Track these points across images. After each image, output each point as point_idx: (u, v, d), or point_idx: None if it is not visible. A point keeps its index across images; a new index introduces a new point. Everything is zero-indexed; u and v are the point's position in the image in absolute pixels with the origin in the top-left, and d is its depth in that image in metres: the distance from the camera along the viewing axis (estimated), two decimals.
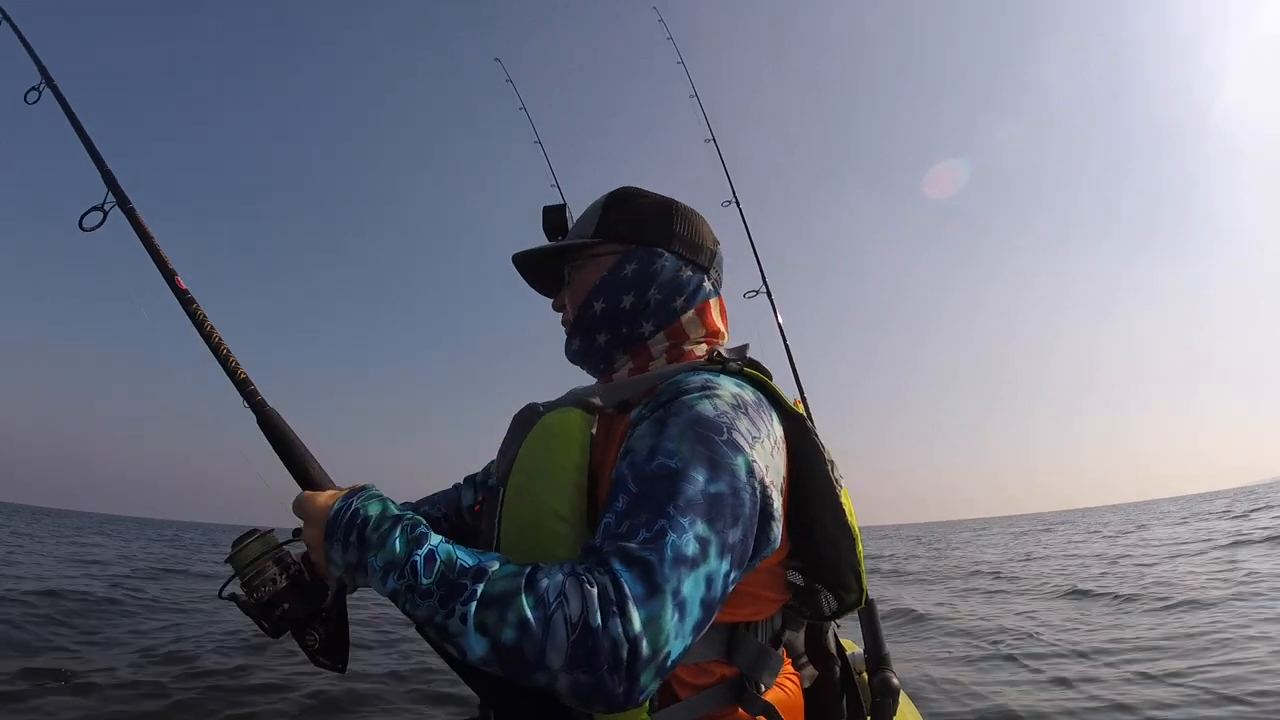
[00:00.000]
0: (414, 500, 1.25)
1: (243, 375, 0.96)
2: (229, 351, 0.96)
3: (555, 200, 1.08)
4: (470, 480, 1.25)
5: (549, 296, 1.09)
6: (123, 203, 1.02)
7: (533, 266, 1.07)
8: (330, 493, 0.81)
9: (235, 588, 0.85)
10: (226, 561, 0.85)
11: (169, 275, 0.98)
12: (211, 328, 0.97)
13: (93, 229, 1.01)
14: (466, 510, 1.22)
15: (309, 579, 0.86)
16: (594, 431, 0.86)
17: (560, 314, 1.05)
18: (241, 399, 0.96)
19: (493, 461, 1.18)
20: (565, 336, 1.02)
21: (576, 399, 0.95)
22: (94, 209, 1.01)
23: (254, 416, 0.96)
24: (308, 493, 0.82)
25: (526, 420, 0.97)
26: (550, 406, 0.98)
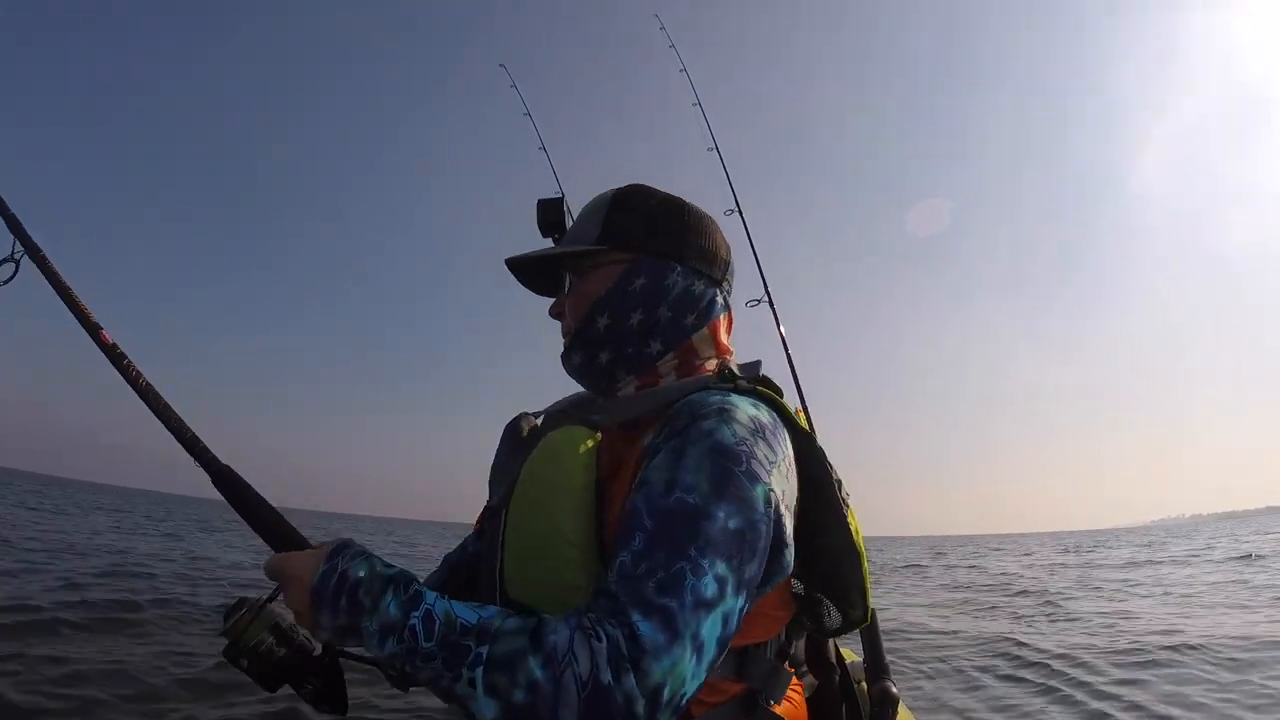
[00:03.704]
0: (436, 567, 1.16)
1: (190, 434, 0.89)
2: (171, 410, 0.89)
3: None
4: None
5: (546, 296, 1.02)
6: (32, 251, 0.96)
7: (529, 268, 1.00)
8: (310, 554, 0.75)
9: (234, 656, 0.84)
10: (222, 635, 0.83)
11: (93, 330, 0.91)
12: (149, 384, 0.89)
13: (4, 282, 0.96)
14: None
15: (302, 637, 0.85)
16: (599, 449, 0.82)
17: (559, 321, 0.97)
18: (191, 459, 0.89)
19: None
20: (563, 346, 0.95)
21: (577, 411, 0.92)
22: (5, 260, 0.95)
23: (207, 476, 0.90)
24: (282, 555, 0.78)
25: (518, 432, 0.95)
26: (551, 420, 0.95)
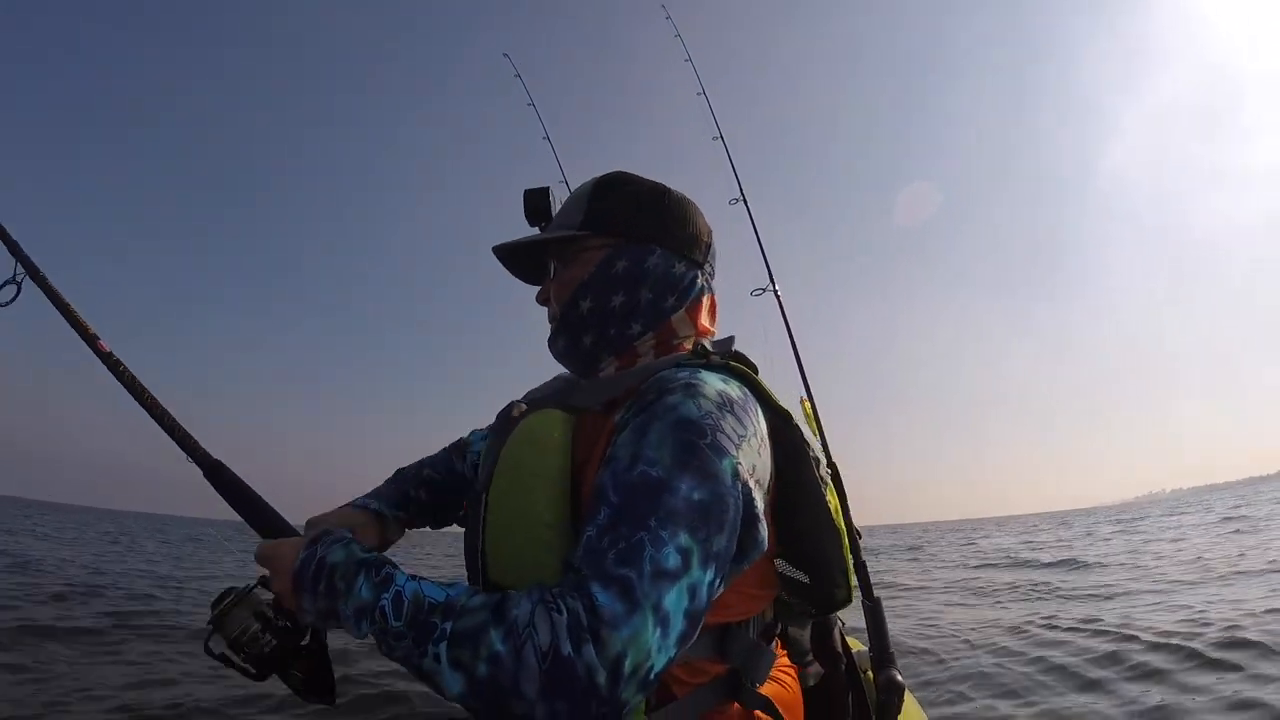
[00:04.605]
0: (409, 464, 1.21)
1: (182, 432, 0.95)
2: (164, 409, 0.95)
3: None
4: (459, 447, 1.20)
5: (534, 284, 1.04)
6: (33, 273, 1.00)
7: (515, 255, 1.03)
8: (293, 542, 0.79)
9: (221, 647, 0.84)
10: (209, 623, 0.84)
11: (90, 340, 0.97)
12: (143, 387, 0.96)
13: (6, 304, 1.00)
14: (469, 469, 1.17)
15: (288, 623, 0.85)
16: (575, 431, 0.83)
17: (545, 306, 1.00)
18: (184, 455, 0.94)
19: (476, 431, 1.19)
20: (550, 330, 0.98)
21: (558, 396, 0.94)
22: (7, 282, 1.00)
23: (199, 471, 0.95)
24: (269, 543, 0.82)
25: (507, 420, 0.95)
26: (533, 401, 0.96)
